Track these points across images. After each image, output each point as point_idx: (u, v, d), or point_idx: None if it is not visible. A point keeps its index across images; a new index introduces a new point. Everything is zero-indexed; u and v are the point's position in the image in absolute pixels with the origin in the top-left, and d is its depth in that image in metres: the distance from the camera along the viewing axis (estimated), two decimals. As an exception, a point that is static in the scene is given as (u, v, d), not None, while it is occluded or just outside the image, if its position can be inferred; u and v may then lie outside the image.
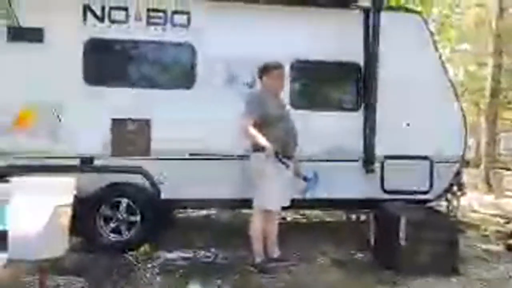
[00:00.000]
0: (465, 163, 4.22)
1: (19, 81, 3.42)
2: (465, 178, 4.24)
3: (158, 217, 3.67)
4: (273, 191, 3.04)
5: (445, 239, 3.12)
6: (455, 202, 4.08)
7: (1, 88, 3.40)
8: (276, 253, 3.27)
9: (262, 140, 2.96)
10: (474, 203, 6.57)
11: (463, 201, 4.63)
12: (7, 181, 3.08)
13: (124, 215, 3.51)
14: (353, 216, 5.04)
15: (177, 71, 3.91)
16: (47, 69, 3.44)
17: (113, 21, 3.58)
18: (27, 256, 2.89)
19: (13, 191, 3.01)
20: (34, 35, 3.46)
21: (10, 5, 3.45)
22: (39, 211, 2.98)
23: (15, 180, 3.08)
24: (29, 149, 3.40)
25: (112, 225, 3.50)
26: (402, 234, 3.04)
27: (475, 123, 17.05)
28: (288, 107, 3.41)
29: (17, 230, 2.96)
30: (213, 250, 3.60)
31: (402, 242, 3.04)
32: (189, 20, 3.66)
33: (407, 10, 4.26)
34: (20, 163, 3.35)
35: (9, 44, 3.45)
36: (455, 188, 4.04)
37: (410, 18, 3.98)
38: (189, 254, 3.49)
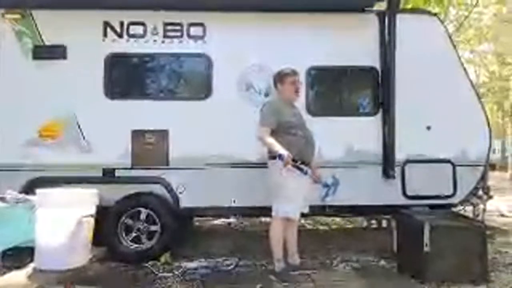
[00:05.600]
0: (491, 166, 4.08)
1: (44, 96, 3.56)
2: (491, 181, 4.09)
3: (178, 226, 3.70)
4: (292, 198, 3.02)
5: (472, 245, 3.00)
6: (481, 207, 3.94)
7: (27, 103, 3.55)
8: (296, 260, 3.23)
9: (279, 148, 2.96)
10: (502, 207, 6.32)
11: (490, 205, 4.47)
12: (33, 194, 3.19)
13: (145, 225, 3.57)
14: (374, 223, 4.94)
15: (194, 82, 3.98)
16: (70, 84, 3.58)
17: (131, 36, 3.70)
18: (52, 266, 2.96)
19: (38, 203, 3.11)
20: (58, 53, 3.61)
21: (35, 25, 3.62)
22: (63, 222, 3.06)
23: (40, 192, 3.18)
24: (53, 162, 3.52)
25: (133, 234, 3.56)
26: (426, 241, 2.95)
27: (499, 124, 16.48)
28: (304, 113, 3.40)
29: (42, 241, 3.04)
30: (233, 258, 3.60)
31: (427, 249, 2.95)
32: (204, 31, 3.73)
33: (423, 12, 4.19)
34: (45, 176, 3.47)
35: (34, 61, 3.61)
36: (480, 192, 3.91)
37: (426, 20, 3.92)
38: (209, 262, 3.50)
